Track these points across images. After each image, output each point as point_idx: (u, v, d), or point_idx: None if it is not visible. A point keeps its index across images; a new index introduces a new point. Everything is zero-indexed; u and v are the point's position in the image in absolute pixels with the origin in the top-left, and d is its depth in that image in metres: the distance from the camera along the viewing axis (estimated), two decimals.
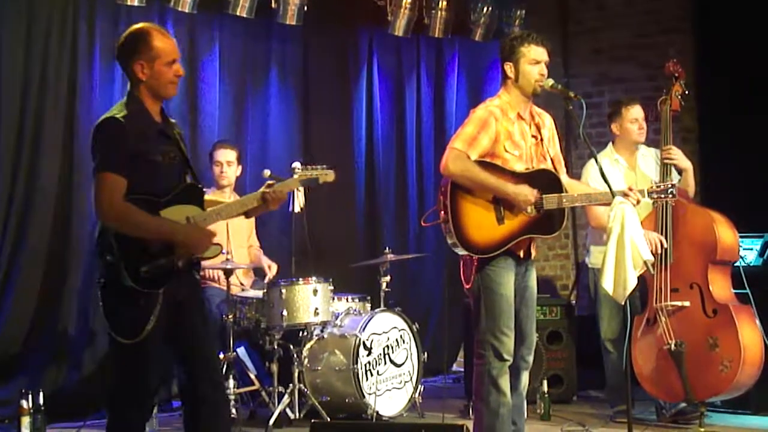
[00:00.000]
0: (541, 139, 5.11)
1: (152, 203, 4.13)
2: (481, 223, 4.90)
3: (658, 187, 5.22)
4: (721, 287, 6.19)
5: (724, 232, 6.21)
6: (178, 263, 4.14)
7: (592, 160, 6.55)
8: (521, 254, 5.04)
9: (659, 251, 6.15)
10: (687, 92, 6.58)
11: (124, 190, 4.04)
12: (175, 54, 4.25)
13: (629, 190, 5.04)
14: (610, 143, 6.77)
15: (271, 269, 7.17)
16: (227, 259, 6.60)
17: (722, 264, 6.24)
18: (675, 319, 6.17)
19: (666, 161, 6.40)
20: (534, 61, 4.99)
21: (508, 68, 5.02)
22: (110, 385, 4.22)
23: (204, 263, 5.13)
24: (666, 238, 6.23)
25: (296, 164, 6.84)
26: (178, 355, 4.28)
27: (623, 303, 5.19)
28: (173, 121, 4.42)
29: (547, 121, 5.19)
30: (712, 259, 6.16)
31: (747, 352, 5.99)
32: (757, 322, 6.15)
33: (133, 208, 4.04)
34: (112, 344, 4.14)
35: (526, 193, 4.89)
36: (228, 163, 7.08)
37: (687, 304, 6.16)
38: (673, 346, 6.11)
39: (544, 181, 4.99)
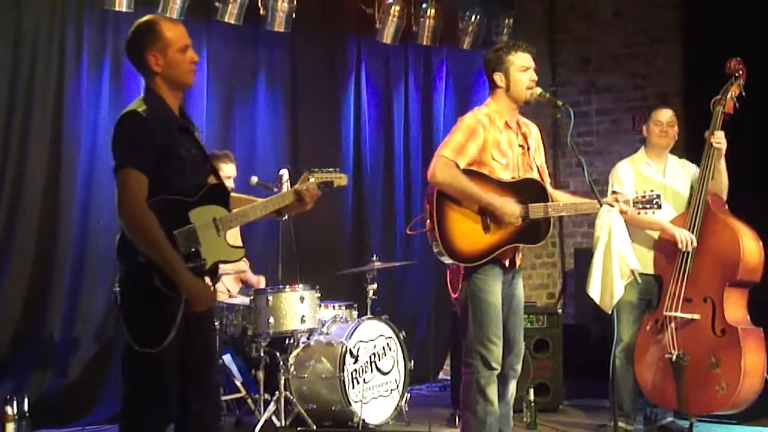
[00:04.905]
0: (528, 149, 5.11)
1: (183, 204, 3.91)
2: (467, 232, 4.90)
3: (643, 197, 5.12)
4: (735, 307, 6.04)
5: (750, 252, 6.01)
6: (204, 266, 3.94)
7: (620, 164, 6.50)
8: (506, 263, 5.04)
9: (689, 248, 6.00)
10: (744, 94, 6.18)
11: (146, 189, 3.80)
12: (186, 40, 4.05)
13: (615, 201, 5.04)
14: (642, 147, 6.61)
15: (260, 284, 7.14)
16: None
17: (742, 285, 6.08)
18: (683, 330, 6.06)
19: (715, 145, 6.15)
20: (524, 67, 5.00)
21: (498, 78, 5.01)
22: (124, 397, 3.95)
23: None
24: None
25: (283, 171, 6.86)
26: (181, 370, 3.95)
27: (610, 312, 5.18)
28: (189, 115, 4.21)
29: (533, 131, 5.18)
30: (731, 279, 5.99)
31: (746, 378, 5.88)
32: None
33: (154, 223, 3.78)
34: (129, 353, 3.85)
35: (511, 208, 4.87)
36: (228, 178, 6.70)
37: (697, 317, 6.02)
38: (675, 356, 6.00)
39: (530, 190, 5.00)
